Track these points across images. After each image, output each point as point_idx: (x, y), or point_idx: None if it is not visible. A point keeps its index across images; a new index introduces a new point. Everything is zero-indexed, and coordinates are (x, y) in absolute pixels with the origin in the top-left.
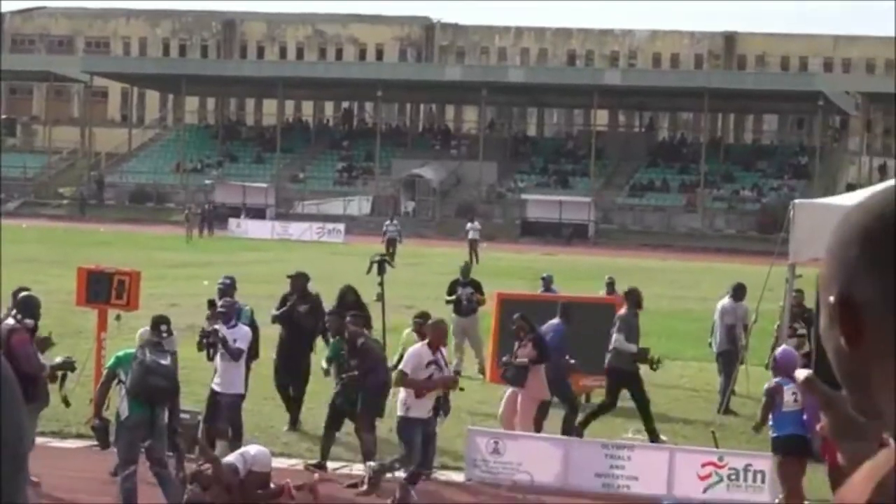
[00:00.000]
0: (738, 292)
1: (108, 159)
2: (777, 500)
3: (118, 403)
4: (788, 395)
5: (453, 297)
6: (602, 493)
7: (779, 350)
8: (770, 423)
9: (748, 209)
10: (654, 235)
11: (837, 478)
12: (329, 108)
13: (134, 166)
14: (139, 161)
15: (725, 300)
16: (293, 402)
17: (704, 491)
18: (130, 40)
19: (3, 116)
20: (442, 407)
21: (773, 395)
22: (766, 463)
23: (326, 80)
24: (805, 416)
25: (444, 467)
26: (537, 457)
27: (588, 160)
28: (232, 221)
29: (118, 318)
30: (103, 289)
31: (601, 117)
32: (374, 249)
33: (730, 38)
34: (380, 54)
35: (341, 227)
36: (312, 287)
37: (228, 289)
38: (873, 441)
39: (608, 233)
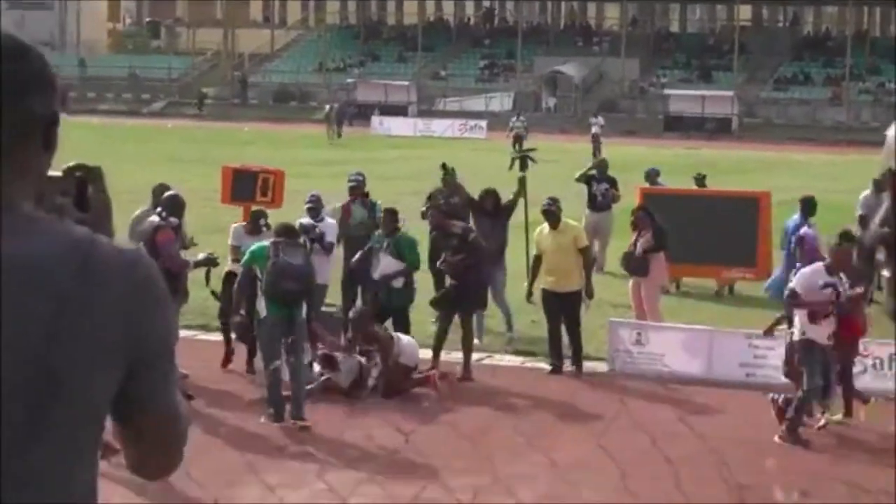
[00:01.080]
0: (881, 184)
1: (250, 60)
2: None
3: (257, 301)
4: None
5: (580, 178)
6: (745, 383)
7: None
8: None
9: (893, 102)
10: (798, 129)
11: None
12: (469, 7)
13: (277, 67)
14: (282, 61)
15: (867, 192)
16: None
17: None
18: None
19: (148, 19)
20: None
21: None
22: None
23: None
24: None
25: (587, 358)
26: (680, 347)
27: (731, 55)
28: (374, 119)
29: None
30: (248, 187)
31: (745, 12)
32: (516, 145)
33: None
34: None
35: (483, 123)
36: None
37: (360, 185)
38: None
39: (752, 126)
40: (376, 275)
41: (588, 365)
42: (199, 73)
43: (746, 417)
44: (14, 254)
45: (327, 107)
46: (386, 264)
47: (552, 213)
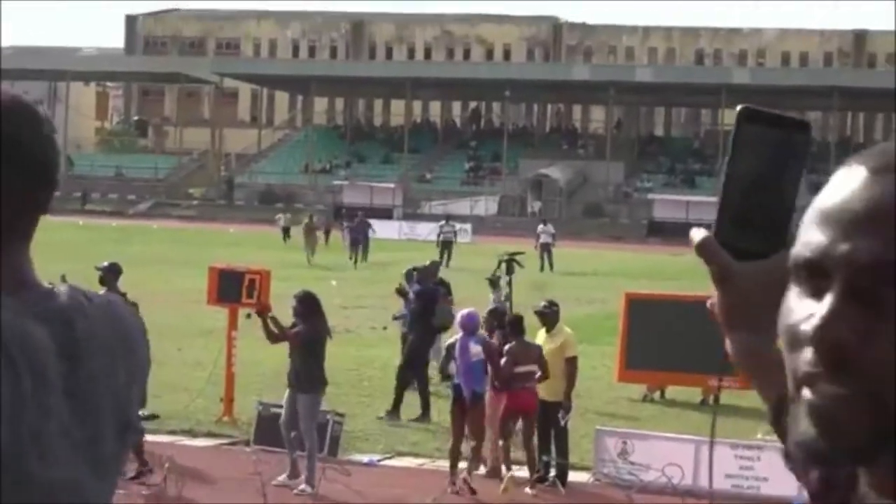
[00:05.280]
0: None
1: (237, 160)
2: None
3: None
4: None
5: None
6: (732, 493)
7: (464, 312)
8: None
9: None
10: None
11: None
12: (457, 108)
13: (263, 167)
14: (268, 162)
15: None
16: (421, 393)
17: None
18: (260, 41)
19: (136, 118)
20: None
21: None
22: None
23: (454, 81)
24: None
25: (573, 468)
26: (666, 457)
27: (716, 160)
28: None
29: (249, 316)
30: (234, 288)
31: (729, 116)
32: (501, 249)
33: (860, 36)
34: (507, 54)
35: (468, 227)
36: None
37: (107, 274)
38: (770, 335)
39: None
40: None
41: (572, 475)
42: (186, 173)
43: None
44: (91, 329)
45: (310, 217)
46: None
47: (544, 315)
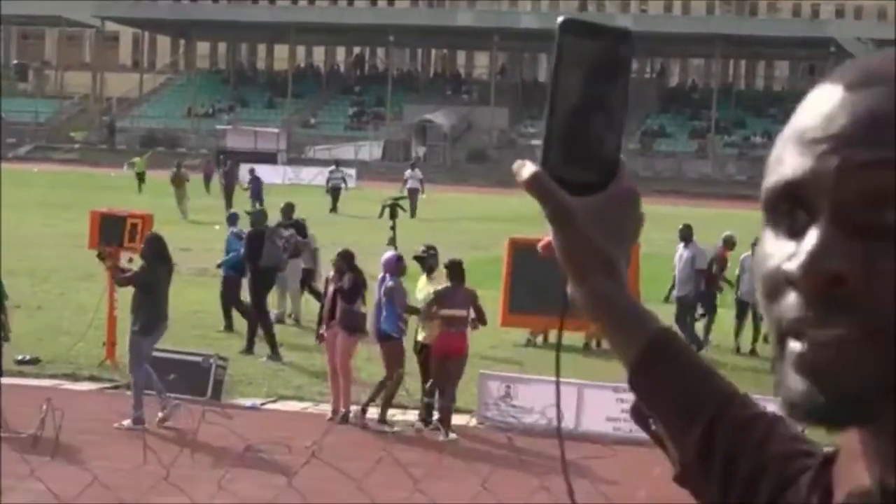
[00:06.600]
0: (688, 233)
1: (119, 104)
2: None
3: None
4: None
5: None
6: (613, 436)
7: (387, 254)
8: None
9: (759, 155)
10: (664, 181)
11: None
12: (341, 53)
13: (145, 111)
14: (150, 106)
15: (681, 246)
16: (266, 334)
17: None
18: None
19: (15, 61)
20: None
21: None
22: (775, 407)
23: (338, 26)
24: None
25: (456, 411)
26: (548, 400)
27: None
28: (243, 167)
29: (130, 260)
30: (116, 232)
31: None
32: (385, 194)
33: None
34: None
35: (353, 171)
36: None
37: None
38: (621, 278)
39: None
40: None
41: (457, 418)
42: (67, 116)
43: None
44: None
45: (177, 165)
46: None
47: (423, 260)
